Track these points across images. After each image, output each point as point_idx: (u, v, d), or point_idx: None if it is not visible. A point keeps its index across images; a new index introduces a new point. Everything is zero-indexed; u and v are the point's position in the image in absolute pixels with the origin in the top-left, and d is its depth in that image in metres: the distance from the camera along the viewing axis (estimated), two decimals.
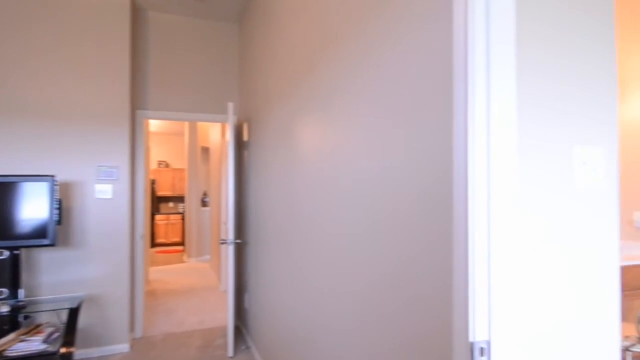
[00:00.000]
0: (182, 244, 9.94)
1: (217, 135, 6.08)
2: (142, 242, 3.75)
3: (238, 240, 3.39)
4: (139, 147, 3.74)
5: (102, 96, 3.39)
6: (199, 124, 7.76)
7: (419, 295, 1.17)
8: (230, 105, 3.32)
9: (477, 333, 0.97)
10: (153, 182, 10.05)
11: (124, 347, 3.43)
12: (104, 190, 3.36)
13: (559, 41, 1.00)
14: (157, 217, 10.01)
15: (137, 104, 3.82)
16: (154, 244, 9.90)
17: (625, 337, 2.33)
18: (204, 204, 8.19)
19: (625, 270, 2.88)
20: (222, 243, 3.28)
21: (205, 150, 8.11)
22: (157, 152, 10.32)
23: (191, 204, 7.83)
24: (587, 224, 1.03)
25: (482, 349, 0.96)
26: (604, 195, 1.05)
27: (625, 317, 3.10)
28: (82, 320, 3.31)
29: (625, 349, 2.34)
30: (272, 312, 2.76)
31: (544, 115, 0.99)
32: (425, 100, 1.13)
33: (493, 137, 0.95)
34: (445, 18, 1.06)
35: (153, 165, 10.26)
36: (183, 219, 9.85)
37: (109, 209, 3.40)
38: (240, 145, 4.00)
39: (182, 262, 7.96)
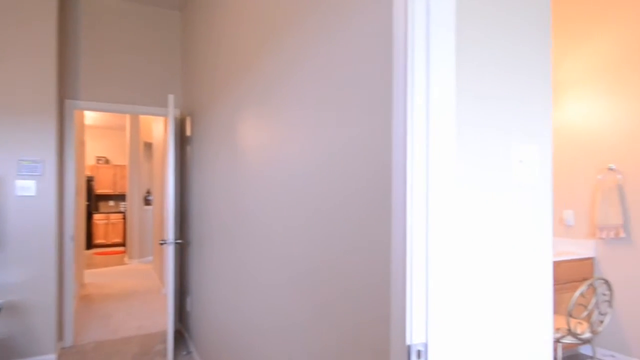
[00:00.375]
0: (123, 244, 9.42)
1: (161, 130, 5.78)
2: (73, 243, 3.45)
3: (179, 241, 3.21)
4: (68, 140, 3.44)
5: (23, 81, 3.07)
6: (142, 117, 7.35)
7: (356, 295, 1.13)
8: (171, 98, 3.13)
9: (415, 335, 0.94)
10: (90, 179, 9.42)
11: (50, 358, 3.14)
12: (26, 187, 3.05)
13: (497, 44, 0.99)
14: (96, 216, 9.41)
15: (67, 93, 3.51)
16: (92, 245, 9.30)
17: (556, 330, 2.46)
18: (147, 202, 7.79)
19: (556, 265, 3.04)
20: (162, 244, 3.10)
21: (149, 145, 7.70)
22: (95, 147, 9.69)
23: (133, 203, 7.42)
24: (523, 221, 1.03)
25: (419, 352, 0.93)
26: (539, 192, 1.05)
27: (555, 309, 3.29)
28: (2, 330, 2.99)
29: (556, 341, 2.48)
30: (214, 314, 2.64)
31: (482, 115, 0.98)
32: (363, 93, 1.08)
33: (432, 136, 0.92)
34: (385, 6, 1.01)
35: (91, 161, 9.62)
36: (125, 218, 9.32)
37: (33, 208, 3.09)
38: (183, 141, 3.81)
39: (123, 264, 7.54)
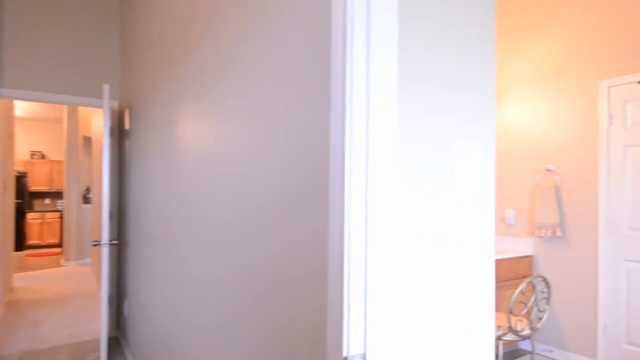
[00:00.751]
0: (60, 245, 8.78)
1: (101, 123, 5.40)
2: None
3: (114, 241, 2.98)
4: None
5: None
6: (82, 110, 6.86)
7: (292, 298, 1.04)
8: (106, 88, 2.90)
9: (352, 346, 0.87)
10: (23, 176, 8.70)
11: None
12: None
13: (443, 42, 0.95)
14: (30, 215, 8.71)
15: None
16: (24, 246, 8.59)
17: (498, 327, 2.52)
18: (86, 200, 7.29)
19: (498, 263, 3.13)
20: (95, 245, 2.86)
21: (88, 140, 7.21)
22: (29, 141, 8.95)
23: (71, 201, 6.91)
24: (466, 218, 0.99)
25: None
26: (481, 189, 1.02)
27: (497, 307, 3.40)
28: None
29: (497, 338, 2.54)
30: (153, 319, 2.46)
31: (425, 110, 0.92)
32: (300, 85, 1.00)
33: (372, 130, 0.85)
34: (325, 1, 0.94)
35: (24, 155, 8.88)
36: (62, 217, 8.69)
37: None
38: (122, 135, 3.55)
39: (59, 266, 7.02)
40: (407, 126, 0.90)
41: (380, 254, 0.86)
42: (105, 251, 2.83)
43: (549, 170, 3.27)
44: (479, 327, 1.05)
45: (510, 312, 2.34)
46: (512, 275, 3.20)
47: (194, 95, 1.77)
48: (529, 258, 3.34)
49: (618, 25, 2.90)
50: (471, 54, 1.00)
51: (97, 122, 5.65)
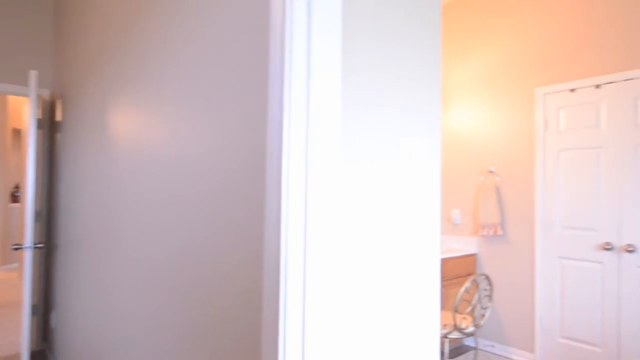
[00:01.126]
0: None
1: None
2: None
3: (40, 245, 2.70)
4: None
5: None
6: (12, 99, 6.27)
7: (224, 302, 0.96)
8: (33, 74, 2.63)
9: (289, 355, 0.80)
10: None
11: None
12: None
13: (393, 47, 0.90)
14: None
15: None
16: None
17: (444, 326, 2.56)
18: (14, 199, 6.68)
19: (444, 262, 3.20)
20: (17, 248, 2.58)
21: (18, 132, 6.61)
22: None
23: None
24: (413, 218, 0.96)
25: None
26: (428, 189, 0.99)
27: (442, 305, 3.47)
28: None
29: (443, 337, 2.58)
30: (83, 329, 2.25)
31: (373, 109, 0.88)
32: (238, 79, 0.92)
33: (313, 131, 0.79)
34: None
35: None
36: None
37: None
38: (53, 127, 3.25)
39: None
40: (350, 124, 0.85)
41: (321, 254, 0.80)
42: (28, 255, 2.56)
43: (490, 172, 3.40)
44: (425, 327, 1.02)
45: (456, 311, 2.38)
46: (457, 273, 3.28)
47: (124, 86, 1.63)
48: (473, 256, 3.45)
49: (553, 37, 3.06)
50: (418, 59, 0.97)
51: (28, 112, 5.17)
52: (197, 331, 1.08)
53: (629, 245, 2.69)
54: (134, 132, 1.55)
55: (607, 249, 2.79)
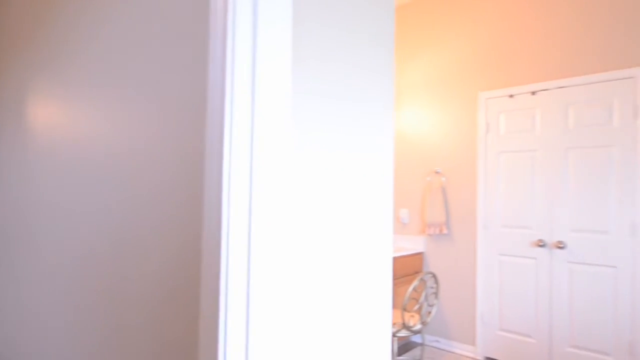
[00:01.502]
0: None
1: None
2: None
3: None
4: None
5: None
6: None
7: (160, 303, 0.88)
8: None
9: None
10: None
11: None
12: None
13: (345, 52, 0.88)
14: None
15: None
16: None
17: (393, 324, 2.62)
18: None
19: (394, 261, 3.26)
20: None
21: None
22: None
23: None
24: (366, 212, 0.94)
25: None
26: (381, 189, 0.98)
27: (392, 304, 3.55)
28: None
29: (392, 335, 2.63)
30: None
31: (326, 105, 0.84)
32: (175, 63, 0.85)
33: (258, 127, 0.75)
34: None
35: None
36: None
37: None
38: None
39: None
40: (302, 120, 0.81)
41: (267, 249, 0.76)
42: None
43: (437, 172, 3.51)
44: (378, 327, 1.01)
45: (404, 309, 2.43)
46: (406, 272, 3.37)
47: (47, 66, 1.47)
48: (420, 255, 3.55)
49: (496, 43, 3.22)
50: (371, 59, 0.95)
51: None
52: (124, 334, 1.00)
53: (559, 242, 2.89)
54: (58, 126, 1.41)
55: (540, 246, 2.98)
